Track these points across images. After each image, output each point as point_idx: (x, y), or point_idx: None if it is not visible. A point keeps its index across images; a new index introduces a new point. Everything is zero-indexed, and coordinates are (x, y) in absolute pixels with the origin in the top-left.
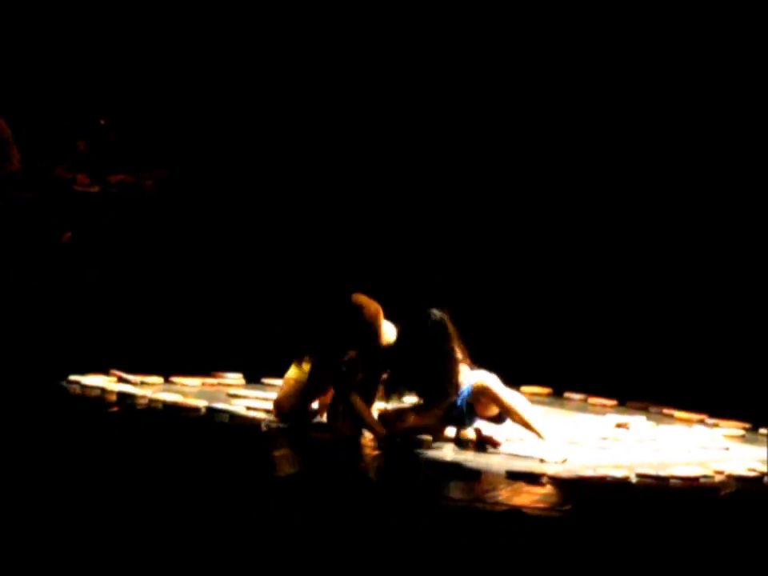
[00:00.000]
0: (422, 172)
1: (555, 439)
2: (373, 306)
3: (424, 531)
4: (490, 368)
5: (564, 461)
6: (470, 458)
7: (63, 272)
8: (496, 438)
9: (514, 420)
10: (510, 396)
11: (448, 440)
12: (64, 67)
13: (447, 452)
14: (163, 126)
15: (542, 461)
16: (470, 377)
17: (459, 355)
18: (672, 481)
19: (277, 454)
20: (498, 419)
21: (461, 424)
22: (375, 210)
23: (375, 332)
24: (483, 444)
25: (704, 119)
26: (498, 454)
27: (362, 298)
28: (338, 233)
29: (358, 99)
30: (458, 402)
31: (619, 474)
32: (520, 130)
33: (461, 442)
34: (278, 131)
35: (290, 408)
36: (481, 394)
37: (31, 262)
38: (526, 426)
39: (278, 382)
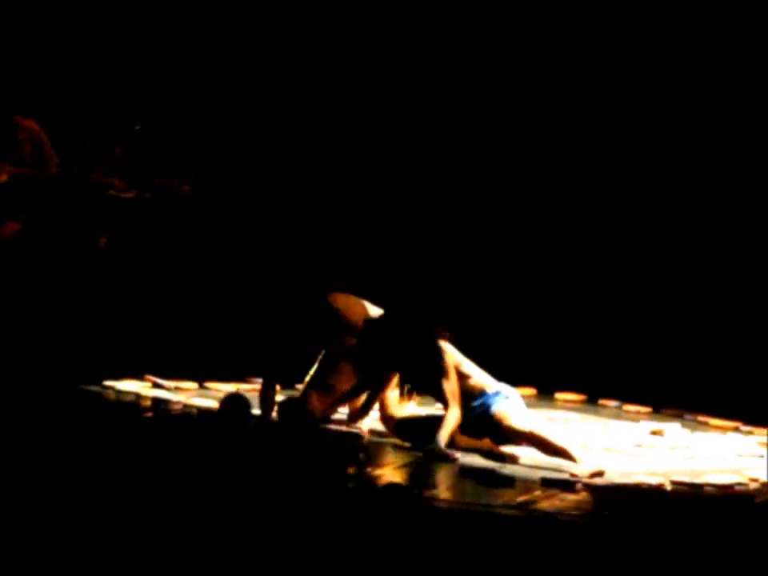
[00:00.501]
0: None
1: (588, 456)
2: (353, 306)
3: (459, 537)
4: (525, 375)
5: (596, 473)
6: (496, 466)
7: (102, 276)
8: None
9: (545, 452)
10: (536, 427)
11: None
12: (100, 73)
13: (477, 459)
14: (193, 132)
15: (572, 475)
16: (492, 386)
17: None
18: (707, 488)
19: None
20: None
21: (475, 432)
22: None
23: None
24: (499, 456)
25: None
26: (519, 463)
27: (340, 300)
28: (339, 234)
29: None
30: (477, 411)
31: (654, 481)
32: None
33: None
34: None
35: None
36: (507, 431)
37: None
38: (561, 454)
39: None
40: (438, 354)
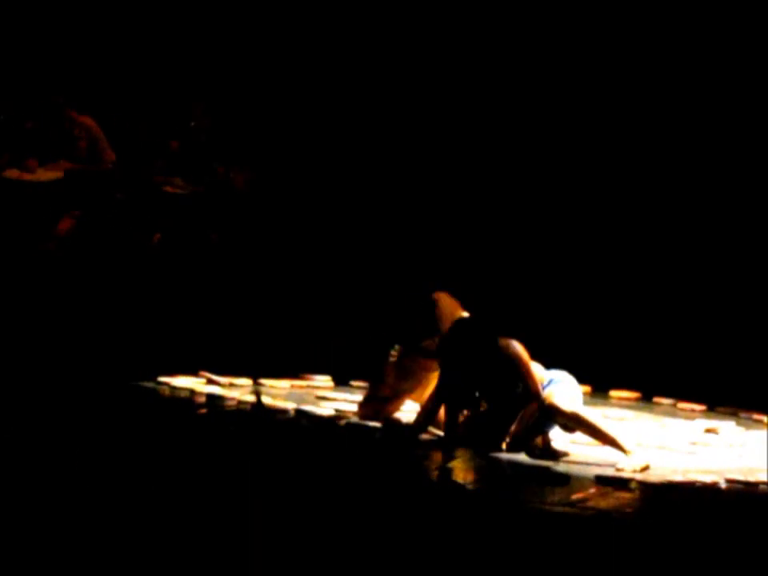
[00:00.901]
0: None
1: (637, 449)
2: (454, 311)
3: (514, 535)
4: (580, 374)
5: (644, 468)
6: (550, 464)
7: (156, 273)
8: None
9: (593, 436)
10: (584, 413)
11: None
12: (157, 68)
13: (525, 457)
14: (253, 125)
15: (617, 469)
16: (546, 377)
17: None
18: (761, 486)
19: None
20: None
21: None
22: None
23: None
24: (552, 453)
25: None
26: (572, 461)
27: (443, 301)
28: (419, 231)
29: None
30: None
31: (708, 479)
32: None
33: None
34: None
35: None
36: (555, 414)
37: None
38: (610, 443)
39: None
40: (518, 358)
